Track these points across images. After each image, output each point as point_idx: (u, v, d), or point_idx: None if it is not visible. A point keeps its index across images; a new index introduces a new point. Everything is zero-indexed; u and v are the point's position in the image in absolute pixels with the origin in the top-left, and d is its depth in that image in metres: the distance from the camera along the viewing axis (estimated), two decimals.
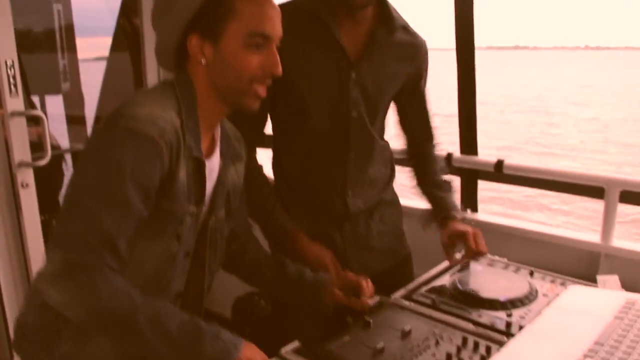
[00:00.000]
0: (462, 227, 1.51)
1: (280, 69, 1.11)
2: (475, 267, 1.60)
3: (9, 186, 2.21)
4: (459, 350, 1.17)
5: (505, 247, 1.81)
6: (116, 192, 0.98)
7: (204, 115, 1.13)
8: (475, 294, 1.41)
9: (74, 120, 3.24)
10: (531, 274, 1.55)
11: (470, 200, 2.12)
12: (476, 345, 1.18)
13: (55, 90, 3.14)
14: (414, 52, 1.52)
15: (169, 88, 1.11)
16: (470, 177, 2.10)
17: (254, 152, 1.52)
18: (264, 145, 1.57)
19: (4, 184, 2.19)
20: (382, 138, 1.57)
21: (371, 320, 1.29)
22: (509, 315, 1.31)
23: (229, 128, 1.28)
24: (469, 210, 2.13)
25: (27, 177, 2.21)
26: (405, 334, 1.25)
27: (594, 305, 1.02)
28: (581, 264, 1.78)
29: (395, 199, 1.67)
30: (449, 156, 2.06)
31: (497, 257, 1.66)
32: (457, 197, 1.65)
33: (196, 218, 1.14)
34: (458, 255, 1.53)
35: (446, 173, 1.70)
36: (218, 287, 3.53)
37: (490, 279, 1.50)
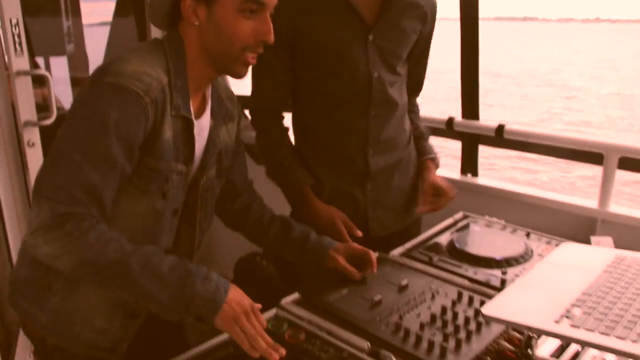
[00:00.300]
0: (444, 184, 1.58)
1: (272, 37, 1.11)
2: (473, 227, 1.63)
3: (15, 145, 2.24)
4: (454, 303, 1.21)
5: (503, 210, 1.84)
6: (100, 145, 1.00)
7: (193, 76, 1.14)
8: (472, 252, 1.44)
9: (79, 82, 3.25)
10: (527, 235, 1.58)
11: (470, 164, 2.14)
12: (471, 300, 1.22)
13: (60, 52, 3.14)
14: (425, 12, 1.55)
15: (159, 46, 1.12)
16: (472, 142, 2.11)
17: (281, 119, 1.60)
18: (287, 109, 1.62)
19: (11, 143, 2.22)
20: (402, 97, 1.60)
21: (367, 277, 1.33)
22: (504, 273, 1.35)
23: (222, 88, 1.29)
24: (469, 175, 2.15)
25: (33, 136, 2.23)
26: (402, 288, 1.28)
27: (584, 260, 1.04)
28: (578, 229, 1.81)
29: (413, 160, 1.69)
30: (450, 121, 2.08)
31: (494, 219, 1.69)
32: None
33: (185, 177, 1.16)
34: None
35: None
36: (220, 249, 3.61)
37: (487, 238, 1.53)
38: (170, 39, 1.13)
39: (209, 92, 1.23)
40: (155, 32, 2.76)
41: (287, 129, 1.60)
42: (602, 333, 0.76)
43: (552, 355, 0.95)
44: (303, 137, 1.62)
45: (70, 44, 3.14)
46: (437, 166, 1.68)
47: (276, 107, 1.58)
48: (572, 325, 0.79)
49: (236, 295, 1.08)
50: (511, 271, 1.36)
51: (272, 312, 1.22)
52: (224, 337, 1.11)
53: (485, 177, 2.13)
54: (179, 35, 1.13)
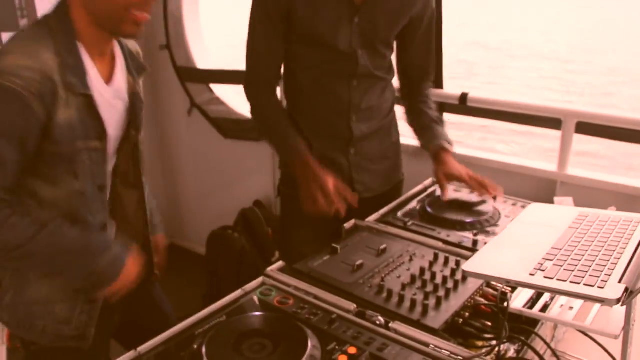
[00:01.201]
0: (456, 169, 1.60)
1: None
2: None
3: None
4: (431, 264, 1.28)
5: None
6: None
7: (90, 43, 1.14)
8: (444, 216, 1.51)
9: None
10: (494, 198, 1.66)
11: None
12: (446, 260, 1.29)
13: (13, 27, 3.03)
14: None
15: (43, 27, 1.11)
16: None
17: (275, 91, 1.65)
18: (277, 84, 1.67)
19: None
20: (387, 74, 1.67)
21: (339, 247, 1.38)
22: (476, 235, 1.43)
23: (130, 43, 1.31)
24: None
25: None
26: (381, 252, 1.35)
27: (551, 218, 1.13)
28: (540, 191, 1.91)
29: (394, 129, 1.79)
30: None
31: (463, 184, 1.76)
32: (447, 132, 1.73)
33: (102, 151, 1.18)
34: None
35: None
36: (190, 224, 3.60)
37: (457, 203, 1.60)
38: (56, 16, 1.12)
39: (117, 50, 1.23)
40: None
41: (281, 102, 1.67)
42: (573, 282, 0.84)
43: (524, 307, 1.03)
44: (292, 106, 1.69)
45: (24, 18, 3.03)
46: (448, 152, 1.67)
47: (273, 79, 1.63)
48: (546, 277, 0.87)
49: (130, 268, 1.22)
50: (482, 232, 1.44)
51: (259, 280, 1.26)
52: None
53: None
54: (65, 8, 1.12)
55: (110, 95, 1.18)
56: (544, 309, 1.03)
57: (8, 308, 1.21)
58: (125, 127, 1.25)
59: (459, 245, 1.38)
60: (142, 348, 1.03)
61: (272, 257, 2.64)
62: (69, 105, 1.09)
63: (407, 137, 1.85)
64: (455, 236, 1.43)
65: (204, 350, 0.98)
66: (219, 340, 1.01)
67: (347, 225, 1.48)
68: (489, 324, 1.10)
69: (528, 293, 1.06)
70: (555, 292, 0.84)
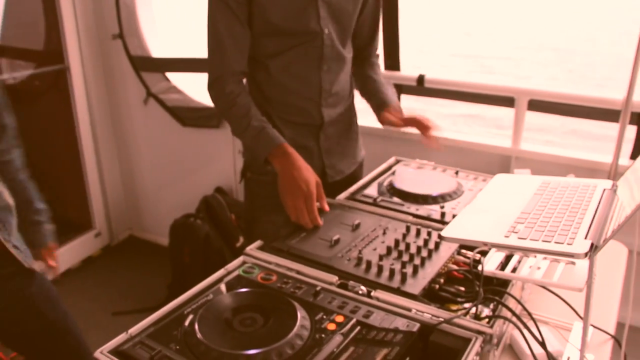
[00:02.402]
0: (409, 114, 1.67)
1: None
2: (407, 169, 1.77)
3: None
4: (404, 236, 1.34)
5: (432, 153, 2.00)
6: None
7: None
8: (410, 191, 1.58)
9: None
10: (457, 173, 1.74)
11: None
12: (418, 232, 1.36)
13: None
14: None
15: None
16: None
17: (243, 86, 1.58)
18: (244, 76, 1.63)
19: None
20: (349, 52, 1.71)
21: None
22: (442, 207, 1.50)
23: None
24: None
25: None
26: (355, 227, 1.40)
27: (517, 186, 1.20)
28: (497, 165, 2.02)
29: (353, 108, 1.84)
30: None
31: (425, 161, 1.84)
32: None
33: None
34: None
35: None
36: (151, 215, 3.57)
37: (422, 178, 1.67)
38: None
39: None
40: None
41: (249, 98, 1.58)
42: (544, 241, 0.91)
43: (497, 269, 1.10)
44: (261, 96, 1.66)
45: None
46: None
47: (240, 71, 1.57)
48: (520, 237, 0.94)
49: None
50: (448, 205, 1.52)
51: (239, 259, 1.29)
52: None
53: None
54: None
55: None
56: (514, 271, 1.11)
57: None
58: None
59: (428, 218, 1.45)
60: (133, 330, 1.05)
61: (237, 242, 2.66)
62: None
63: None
64: (423, 210, 1.50)
65: (196, 326, 1.00)
66: (210, 316, 1.04)
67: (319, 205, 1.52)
68: (462, 289, 1.17)
69: (498, 258, 1.13)
70: (530, 250, 0.91)
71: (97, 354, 0.99)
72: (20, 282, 1.51)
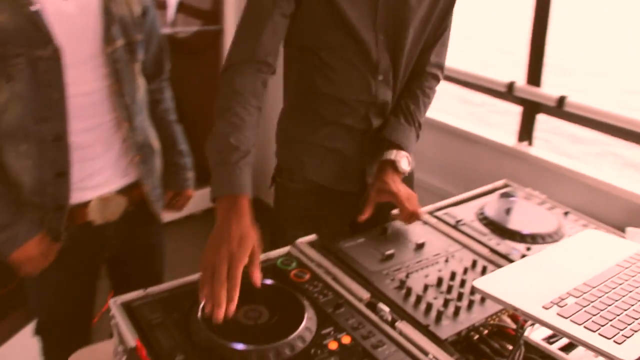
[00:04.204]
0: (395, 187, 1.33)
1: None
2: (510, 197, 1.58)
3: None
4: (465, 271, 1.19)
5: (554, 186, 1.77)
6: None
7: None
8: (499, 222, 1.40)
9: None
10: (565, 214, 1.52)
11: (527, 132, 2.05)
12: (484, 270, 1.20)
13: None
14: None
15: None
16: (531, 109, 2.02)
17: (264, 82, 1.24)
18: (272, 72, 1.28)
19: None
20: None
21: (387, 229, 1.33)
22: (528, 249, 1.31)
23: None
24: (525, 143, 2.07)
25: None
26: (419, 247, 1.28)
27: (601, 249, 0.99)
28: (625, 214, 1.72)
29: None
30: (511, 85, 1.99)
31: (537, 192, 1.63)
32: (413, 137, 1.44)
33: (53, 62, 1.19)
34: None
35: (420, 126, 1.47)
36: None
37: (520, 211, 1.48)
38: None
39: None
40: None
41: (260, 107, 1.22)
42: (587, 328, 0.73)
43: (545, 339, 0.93)
44: (304, 85, 1.41)
45: None
46: (396, 171, 1.37)
47: (264, 62, 1.23)
48: (559, 314, 0.77)
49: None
50: (536, 248, 1.32)
51: (285, 249, 1.24)
52: None
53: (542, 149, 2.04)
54: None
55: (71, 7, 1.21)
56: (568, 347, 0.92)
57: None
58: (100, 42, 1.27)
59: (504, 257, 1.28)
60: (151, 290, 1.06)
61: None
62: (1, 9, 1.14)
63: None
64: (505, 246, 1.33)
65: (201, 306, 0.98)
66: None
67: (394, 212, 1.40)
68: (511, 347, 1.01)
69: None
70: (562, 334, 0.74)
71: (110, 302, 1.02)
72: (145, 228, 1.55)
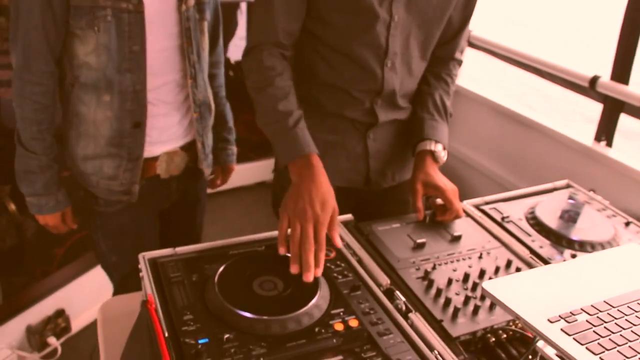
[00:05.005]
0: (440, 180, 1.31)
1: None
2: (569, 199, 1.49)
3: None
4: (497, 270, 1.15)
5: (626, 191, 1.65)
6: None
7: None
8: (547, 223, 1.33)
9: None
10: (627, 224, 1.41)
11: (607, 132, 1.92)
12: (517, 272, 1.15)
13: None
14: None
15: None
16: (614, 108, 1.87)
17: (287, 61, 1.27)
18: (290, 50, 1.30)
19: None
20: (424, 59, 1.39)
21: (427, 216, 1.30)
22: (573, 256, 1.24)
23: None
24: (603, 143, 1.93)
25: None
26: (455, 239, 1.24)
27: (638, 267, 0.92)
28: None
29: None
30: (595, 80, 1.85)
31: (599, 197, 1.52)
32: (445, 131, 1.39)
33: (136, 14, 1.27)
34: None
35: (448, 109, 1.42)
36: None
37: (574, 214, 1.39)
38: None
39: None
40: None
41: (292, 79, 1.26)
42: (589, 349, 0.69)
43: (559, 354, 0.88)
44: (308, 72, 1.36)
45: None
46: (436, 160, 1.35)
47: (287, 44, 1.26)
48: (563, 330, 0.72)
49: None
50: (582, 256, 1.24)
51: None
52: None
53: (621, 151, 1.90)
54: None
55: None
56: None
57: (72, 160, 1.44)
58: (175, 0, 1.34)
59: (545, 260, 1.22)
60: (180, 249, 1.11)
61: None
62: None
63: None
64: (548, 250, 1.26)
65: (220, 271, 1.02)
66: (237, 268, 1.04)
67: (439, 201, 1.36)
68: (531, 357, 0.97)
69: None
70: (560, 351, 0.70)
71: (140, 255, 1.08)
72: (195, 183, 1.63)
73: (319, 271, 1.02)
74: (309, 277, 0.99)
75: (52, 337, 2.03)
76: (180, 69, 1.41)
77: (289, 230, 1.07)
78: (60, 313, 2.07)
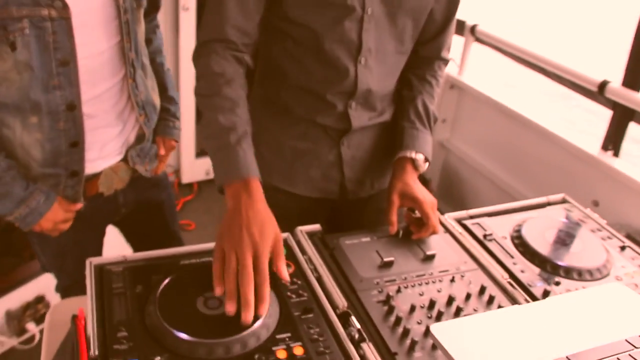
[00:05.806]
0: (419, 191, 1.23)
1: None
2: (561, 217, 1.38)
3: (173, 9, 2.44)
4: (468, 297, 1.06)
5: (629, 206, 1.54)
6: None
7: None
8: (532, 245, 1.23)
9: None
10: (622, 248, 1.30)
11: (615, 140, 1.79)
12: (490, 300, 1.06)
13: None
14: None
15: None
16: (623, 115, 1.75)
17: (243, 65, 1.16)
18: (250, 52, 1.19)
19: (170, 6, 2.43)
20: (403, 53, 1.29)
21: (401, 231, 1.21)
22: (557, 284, 1.14)
23: None
24: (609, 153, 1.81)
25: (188, 1, 2.44)
26: (427, 258, 1.16)
27: (617, 315, 0.82)
28: None
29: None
30: (604, 84, 1.72)
31: (596, 215, 1.41)
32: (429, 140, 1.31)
33: (60, 22, 1.07)
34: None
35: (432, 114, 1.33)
36: None
37: (565, 236, 1.29)
38: None
39: None
40: None
41: (244, 85, 1.15)
42: None
43: None
44: (278, 73, 1.27)
45: None
46: (416, 168, 1.28)
47: (238, 44, 1.14)
48: None
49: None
50: (567, 284, 1.15)
51: (286, 234, 1.17)
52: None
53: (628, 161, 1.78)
54: None
55: None
56: None
57: None
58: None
59: (523, 287, 1.12)
60: (130, 256, 1.05)
61: None
62: None
63: None
64: (530, 274, 1.16)
65: (162, 284, 0.96)
66: (183, 281, 0.98)
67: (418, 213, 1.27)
68: None
69: None
70: None
71: (87, 261, 1.02)
72: (151, 187, 1.50)
73: (264, 307, 0.89)
74: (247, 318, 0.86)
75: (32, 322, 2.00)
76: (120, 69, 1.24)
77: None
78: (41, 299, 2.04)
